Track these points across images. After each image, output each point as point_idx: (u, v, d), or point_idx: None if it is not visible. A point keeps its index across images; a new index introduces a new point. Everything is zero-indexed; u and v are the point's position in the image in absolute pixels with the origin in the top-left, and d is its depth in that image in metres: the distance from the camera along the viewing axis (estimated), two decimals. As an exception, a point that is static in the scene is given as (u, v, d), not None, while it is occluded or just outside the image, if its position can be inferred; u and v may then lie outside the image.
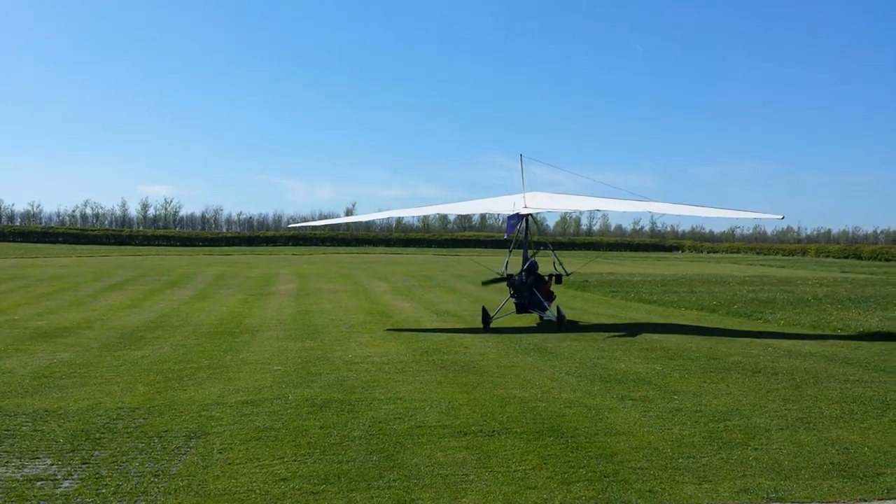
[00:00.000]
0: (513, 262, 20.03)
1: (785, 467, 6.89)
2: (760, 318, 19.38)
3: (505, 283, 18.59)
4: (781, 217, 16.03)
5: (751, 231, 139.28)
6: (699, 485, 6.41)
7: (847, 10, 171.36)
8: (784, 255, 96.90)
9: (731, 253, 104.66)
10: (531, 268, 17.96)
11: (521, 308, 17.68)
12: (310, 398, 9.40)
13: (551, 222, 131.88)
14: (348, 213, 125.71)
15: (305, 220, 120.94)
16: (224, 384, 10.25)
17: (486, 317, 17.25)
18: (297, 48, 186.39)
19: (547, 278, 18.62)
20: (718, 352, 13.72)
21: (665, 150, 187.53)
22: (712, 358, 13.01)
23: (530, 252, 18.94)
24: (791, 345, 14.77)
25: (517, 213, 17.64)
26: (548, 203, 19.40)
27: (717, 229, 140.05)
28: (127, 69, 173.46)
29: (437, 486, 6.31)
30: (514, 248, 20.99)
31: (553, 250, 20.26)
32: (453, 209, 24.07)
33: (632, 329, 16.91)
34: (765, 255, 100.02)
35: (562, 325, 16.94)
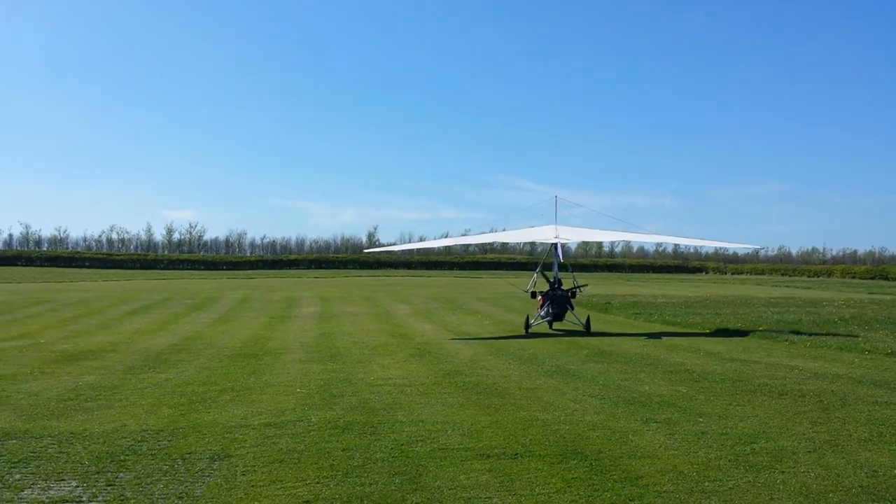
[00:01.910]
0: (538, 281, 23.72)
1: (813, 491, 6.78)
2: (786, 340, 19.15)
3: (536, 295, 22.72)
4: (760, 248, 22.17)
5: (775, 252, 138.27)
6: (726, 508, 6.32)
7: (872, 30, 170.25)
8: (809, 277, 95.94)
9: (756, 274, 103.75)
10: (560, 285, 22.04)
11: (557, 317, 21.41)
12: (332, 420, 9.41)
13: (573, 244, 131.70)
14: (370, 236, 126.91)
15: (329, 244, 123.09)
16: (247, 406, 10.29)
17: (527, 324, 21.53)
18: (320, 72, 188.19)
19: (570, 293, 22.31)
20: (744, 374, 13.57)
21: (687, 171, 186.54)
22: (738, 380, 12.87)
23: (551, 273, 22.83)
24: (818, 367, 14.58)
25: (555, 243, 22.17)
26: (575, 235, 24.31)
27: (742, 251, 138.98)
28: (151, 95, 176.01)
29: (460, 508, 6.27)
30: (541, 269, 24.42)
31: (571, 271, 24.12)
32: (502, 237, 31.16)
33: (655, 346, 16.79)
34: (790, 276, 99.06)
35: (589, 329, 20.92)
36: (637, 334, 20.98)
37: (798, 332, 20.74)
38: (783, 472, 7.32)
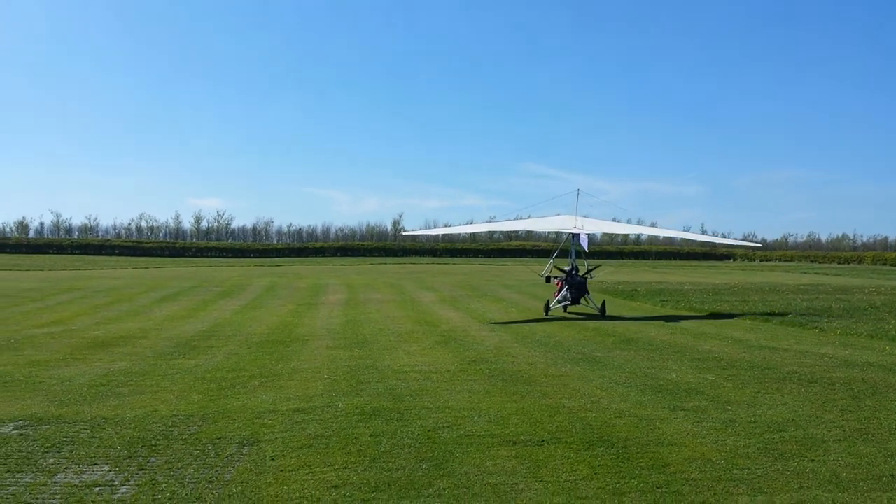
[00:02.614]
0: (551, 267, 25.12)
1: (843, 479, 6.73)
2: (816, 328, 18.94)
3: (551, 279, 24.78)
4: (760, 245, 23.33)
5: (804, 239, 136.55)
6: (754, 497, 6.29)
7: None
8: (839, 264, 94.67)
9: (785, 261, 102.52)
10: (577, 272, 23.32)
11: (575, 301, 22.68)
12: (359, 406, 9.48)
13: (598, 233, 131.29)
14: (395, 223, 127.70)
15: (354, 231, 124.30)
16: (276, 392, 10.39)
17: (547, 307, 22.99)
18: (346, 61, 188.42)
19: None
20: (773, 362, 13.45)
21: (711, 158, 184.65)
22: (766, 368, 12.75)
23: (576, 262, 24.20)
24: (848, 354, 14.40)
25: (578, 233, 23.07)
26: (593, 226, 25.56)
27: (769, 237, 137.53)
28: (179, 85, 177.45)
29: (486, 495, 6.30)
30: (556, 256, 25.85)
31: (584, 258, 25.20)
32: (526, 225, 32.56)
33: (682, 334, 16.68)
34: (819, 263, 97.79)
35: (604, 313, 22.24)
36: (648, 318, 22.36)
37: (828, 320, 20.47)
38: (812, 461, 7.26)
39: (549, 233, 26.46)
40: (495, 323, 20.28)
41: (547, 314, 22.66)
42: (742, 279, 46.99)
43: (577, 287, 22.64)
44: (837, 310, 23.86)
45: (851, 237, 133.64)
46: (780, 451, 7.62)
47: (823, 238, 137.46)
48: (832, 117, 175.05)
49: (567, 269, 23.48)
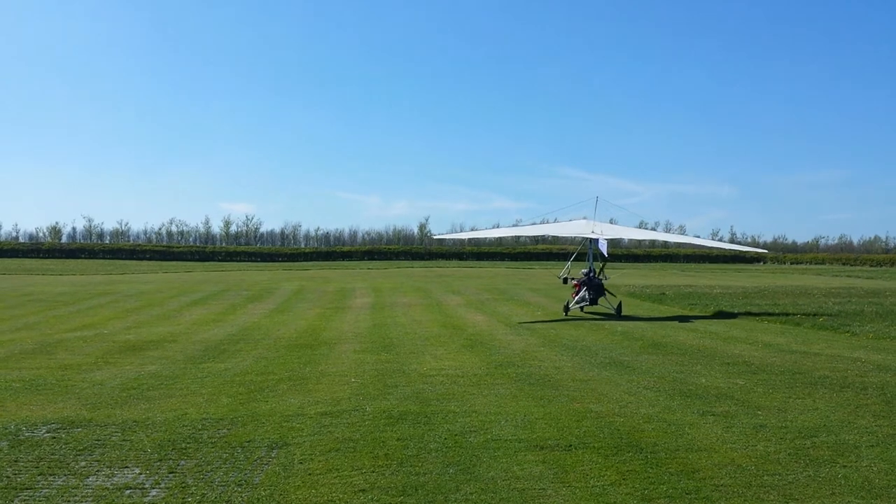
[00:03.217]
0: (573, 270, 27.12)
1: (876, 486, 6.62)
2: (848, 332, 18.66)
3: (568, 281, 26.07)
4: (765, 252, 25.71)
5: (836, 241, 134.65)
6: (785, 503, 6.21)
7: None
8: (871, 266, 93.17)
9: (816, 264, 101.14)
10: (594, 274, 24.50)
11: (593, 301, 23.73)
12: (386, 410, 9.50)
13: (625, 239, 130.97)
14: (422, 227, 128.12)
15: (381, 235, 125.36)
16: (304, 396, 10.45)
17: (566, 308, 24.11)
18: (373, 65, 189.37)
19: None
20: (804, 366, 13.27)
21: (742, 159, 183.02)
22: (797, 372, 12.59)
23: (594, 265, 25.28)
24: (881, 359, 14.17)
25: (596, 238, 23.93)
26: (610, 232, 26.45)
27: (800, 239, 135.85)
28: (208, 90, 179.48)
29: (514, 500, 6.29)
30: (574, 259, 28.81)
31: (601, 262, 26.04)
32: (546, 230, 31.58)
33: (712, 338, 16.51)
34: (851, 265, 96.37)
35: (620, 313, 23.25)
36: (664, 318, 23.32)
37: (860, 324, 20.15)
38: (845, 467, 7.16)
39: (573, 237, 27.30)
40: (520, 323, 20.49)
41: (566, 314, 23.77)
42: (772, 282, 46.41)
43: (595, 289, 23.83)
44: (870, 313, 23.48)
45: (884, 239, 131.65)
46: (812, 456, 7.51)
47: (855, 240, 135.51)
48: (864, 115, 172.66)
49: (585, 271, 24.72)
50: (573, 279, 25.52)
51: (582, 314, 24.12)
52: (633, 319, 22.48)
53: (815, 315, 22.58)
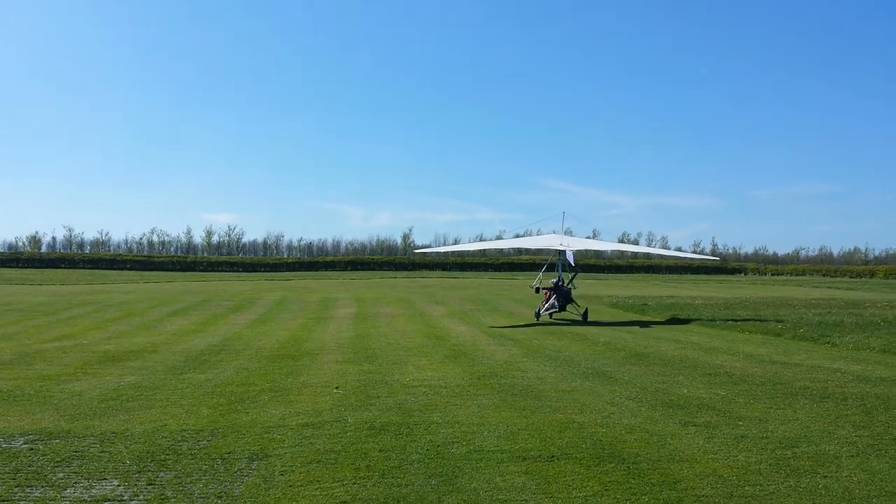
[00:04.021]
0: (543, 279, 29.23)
1: (856, 496, 6.65)
2: (828, 342, 18.80)
3: (540, 290, 27.84)
4: (717, 259, 37.48)
5: (816, 253, 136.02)
6: (767, 513, 6.22)
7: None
8: (851, 277, 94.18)
9: (796, 275, 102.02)
10: (563, 283, 26.41)
11: (562, 308, 25.55)
12: (369, 421, 9.45)
13: (608, 250, 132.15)
14: (405, 237, 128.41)
15: (364, 245, 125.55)
16: (285, 407, 10.38)
17: (537, 314, 26.09)
18: (356, 75, 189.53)
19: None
20: (784, 377, 13.35)
21: (726, 172, 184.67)
22: (778, 383, 12.66)
23: (563, 274, 27.31)
24: (861, 370, 14.29)
25: (564, 250, 26.00)
26: (577, 244, 28.42)
27: (781, 251, 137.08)
28: (189, 101, 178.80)
29: (496, 511, 6.26)
30: (545, 269, 30.43)
31: (570, 272, 27.46)
32: (517, 243, 37.37)
33: (693, 349, 16.58)
34: (831, 277, 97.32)
35: (586, 318, 25.53)
36: (625, 323, 25.75)
37: (840, 334, 20.32)
38: (825, 477, 7.19)
39: (545, 249, 29.67)
40: (491, 328, 21.63)
41: (538, 320, 25.79)
42: (753, 293, 46.76)
43: (563, 296, 25.77)
44: (850, 324, 23.68)
45: (864, 251, 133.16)
46: (793, 467, 7.54)
47: (835, 252, 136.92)
48: (847, 128, 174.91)
49: (555, 280, 26.80)
50: (544, 288, 27.27)
51: (550, 319, 26.11)
52: (598, 325, 24.58)
53: (795, 326, 22.75)
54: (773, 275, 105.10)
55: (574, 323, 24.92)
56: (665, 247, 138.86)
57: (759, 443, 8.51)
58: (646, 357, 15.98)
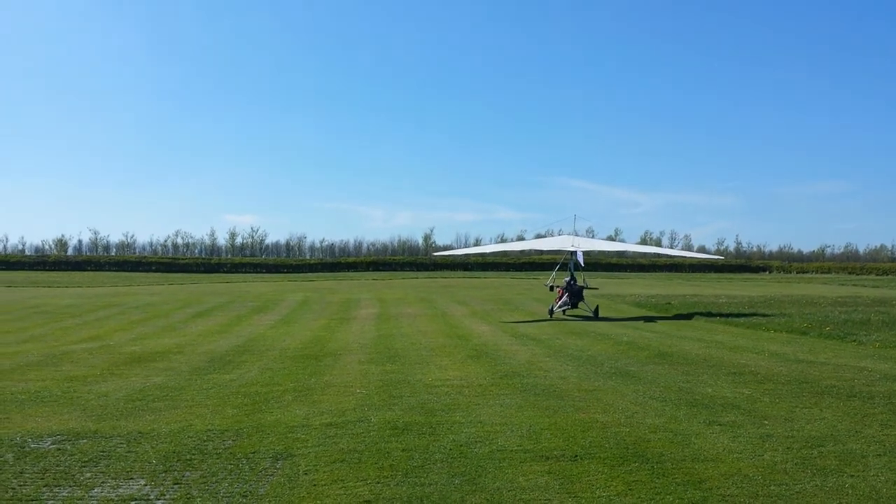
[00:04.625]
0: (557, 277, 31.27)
1: (883, 495, 6.58)
2: (854, 341, 18.58)
3: (554, 288, 29.75)
4: (721, 259, 37.19)
5: (842, 250, 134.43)
6: (793, 513, 6.17)
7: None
8: (878, 275, 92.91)
9: (822, 273, 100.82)
10: (575, 281, 28.17)
11: (574, 305, 27.36)
12: (391, 421, 9.48)
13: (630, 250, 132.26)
14: (426, 238, 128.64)
15: (386, 246, 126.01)
16: (309, 407, 10.44)
17: (551, 311, 27.35)
18: (378, 78, 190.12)
19: (583, 288, 28.55)
20: (810, 375, 13.21)
21: (749, 170, 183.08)
22: (804, 382, 12.53)
23: (574, 273, 29.01)
24: (888, 368, 14.10)
25: (574, 251, 27.88)
26: (587, 245, 30.48)
27: (806, 249, 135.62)
28: (214, 104, 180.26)
29: (519, 510, 6.26)
30: (559, 269, 32.63)
31: (582, 271, 29.62)
32: (532, 245, 39.81)
33: (718, 348, 16.44)
34: (857, 274, 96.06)
35: (598, 315, 26.65)
36: (633, 318, 26.93)
37: (867, 333, 20.06)
38: (852, 476, 7.12)
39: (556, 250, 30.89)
40: (509, 322, 22.88)
41: (551, 316, 26.92)
42: (778, 291, 46.29)
43: (575, 294, 27.38)
44: (876, 322, 23.36)
45: (890, 248, 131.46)
46: (819, 466, 7.47)
47: (861, 249, 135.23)
48: (871, 125, 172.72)
49: (567, 279, 28.39)
50: (557, 286, 28.99)
51: (563, 316, 27.34)
52: (609, 320, 25.81)
53: (821, 324, 22.50)
54: (798, 273, 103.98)
55: (591, 320, 25.90)
56: (688, 245, 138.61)
57: (784, 442, 8.43)
58: (669, 356, 15.88)
